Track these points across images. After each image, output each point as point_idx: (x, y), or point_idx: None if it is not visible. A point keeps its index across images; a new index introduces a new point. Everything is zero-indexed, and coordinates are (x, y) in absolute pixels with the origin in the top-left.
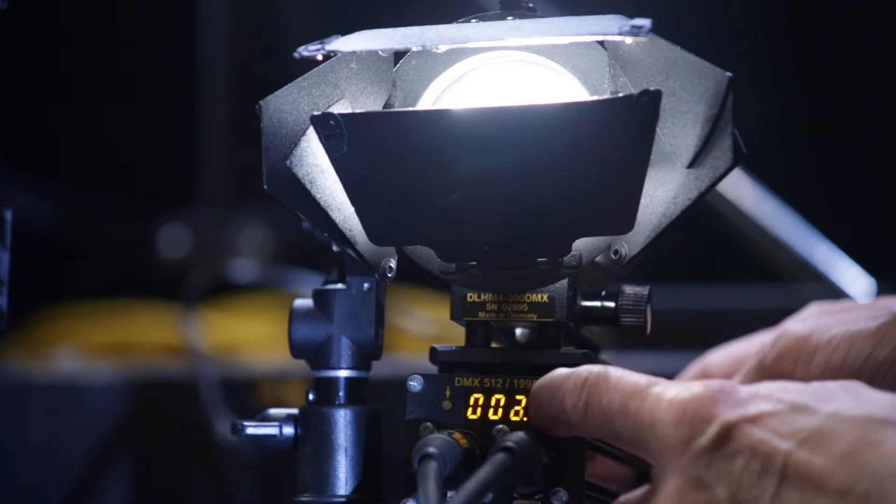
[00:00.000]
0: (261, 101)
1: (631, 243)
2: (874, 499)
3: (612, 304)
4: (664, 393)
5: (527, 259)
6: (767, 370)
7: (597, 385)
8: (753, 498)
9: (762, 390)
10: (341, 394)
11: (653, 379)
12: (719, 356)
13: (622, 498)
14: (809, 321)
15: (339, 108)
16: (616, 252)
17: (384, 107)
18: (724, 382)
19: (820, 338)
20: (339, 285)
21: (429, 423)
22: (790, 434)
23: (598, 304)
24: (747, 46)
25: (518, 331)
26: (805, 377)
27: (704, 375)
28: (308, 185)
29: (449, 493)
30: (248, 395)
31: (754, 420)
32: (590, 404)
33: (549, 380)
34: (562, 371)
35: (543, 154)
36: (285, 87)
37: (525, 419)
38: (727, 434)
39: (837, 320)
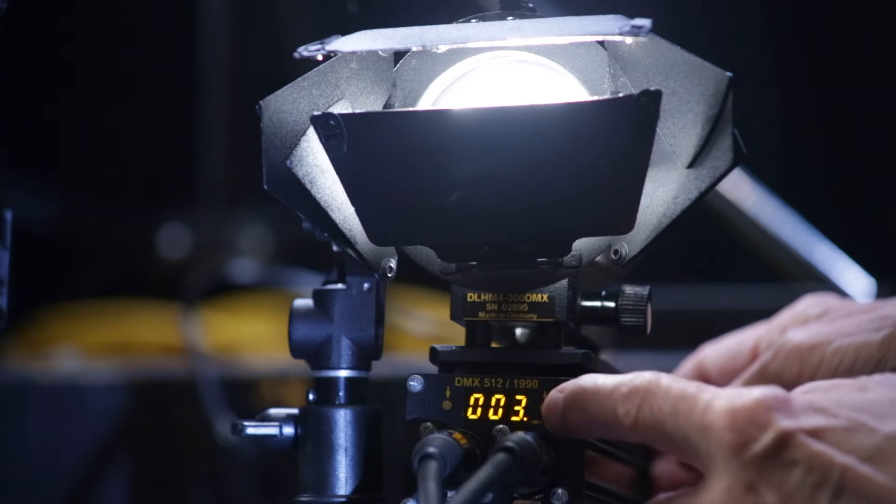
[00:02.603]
0: (261, 101)
1: (631, 243)
2: None
3: (612, 304)
4: (716, 398)
5: (527, 259)
6: (770, 379)
7: (649, 391)
8: None
9: (816, 402)
10: (341, 394)
11: (702, 385)
12: (713, 351)
13: (661, 497)
14: (811, 329)
15: (339, 108)
16: (616, 252)
17: (384, 107)
18: (777, 390)
19: (824, 349)
20: (339, 285)
21: (429, 423)
22: (850, 450)
23: (598, 304)
24: (747, 46)
25: (518, 331)
26: None
27: (699, 369)
28: (308, 185)
29: (449, 494)
30: (248, 395)
31: (812, 433)
32: (641, 410)
33: (597, 386)
34: (609, 378)
35: (543, 154)
36: (285, 87)
37: (525, 419)
38: (783, 444)
39: (839, 329)
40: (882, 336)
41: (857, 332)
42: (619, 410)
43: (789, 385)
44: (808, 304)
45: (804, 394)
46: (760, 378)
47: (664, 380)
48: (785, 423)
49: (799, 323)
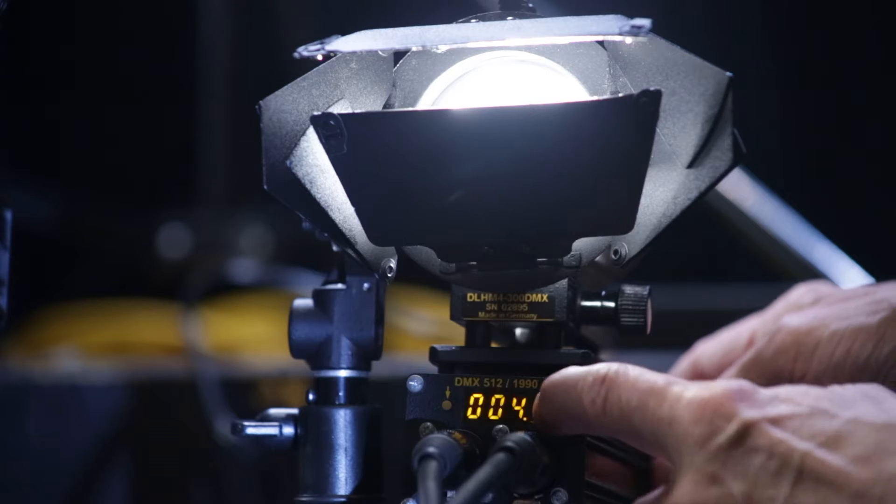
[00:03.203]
0: (261, 101)
1: (631, 243)
2: (888, 503)
3: (612, 304)
4: (684, 391)
5: (527, 259)
6: (766, 365)
7: (616, 382)
8: (768, 497)
9: (782, 393)
10: (341, 394)
11: (671, 378)
12: (709, 347)
13: (640, 500)
14: (807, 314)
15: (339, 108)
16: (616, 252)
17: (384, 107)
18: (743, 383)
19: (820, 333)
20: (339, 285)
21: (429, 423)
22: (809, 436)
23: (598, 304)
24: (747, 46)
25: (518, 331)
26: (806, 373)
27: (695, 367)
28: (308, 185)
29: (449, 494)
30: (248, 395)
31: (774, 421)
32: (608, 401)
33: (565, 376)
34: (578, 368)
35: (543, 154)
36: (285, 87)
37: (525, 419)
38: (746, 432)
39: (836, 314)
40: (879, 319)
41: (854, 316)
42: (585, 399)
43: (786, 369)
44: (802, 292)
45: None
46: (755, 364)
47: (632, 371)
48: (749, 412)
49: (793, 312)
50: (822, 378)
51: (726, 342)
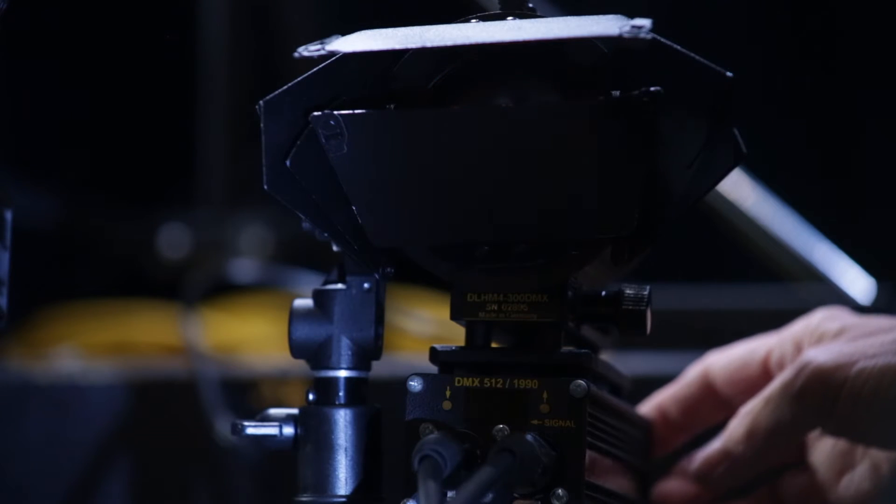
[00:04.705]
0: (261, 101)
1: (631, 244)
2: None
3: (612, 305)
4: None
5: (526, 259)
6: (795, 398)
7: None
8: None
9: None
10: (341, 394)
11: None
12: (720, 360)
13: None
14: (832, 349)
15: (339, 109)
16: (616, 252)
17: (384, 107)
18: None
19: (847, 372)
20: (339, 285)
21: (429, 423)
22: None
23: (598, 304)
24: (748, 46)
25: (518, 331)
26: (833, 411)
27: (705, 378)
28: (308, 185)
29: (449, 494)
30: (248, 395)
31: None
32: None
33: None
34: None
35: (543, 154)
36: (285, 87)
37: (525, 419)
38: None
39: (862, 350)
40: None
41: (881, 354)
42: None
43: (814, 407)
44: (823, 318)
45: None
46: (783, 398)
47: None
48: None
49: (814, 339)
50: (851, 416)
51: (739, 357)
